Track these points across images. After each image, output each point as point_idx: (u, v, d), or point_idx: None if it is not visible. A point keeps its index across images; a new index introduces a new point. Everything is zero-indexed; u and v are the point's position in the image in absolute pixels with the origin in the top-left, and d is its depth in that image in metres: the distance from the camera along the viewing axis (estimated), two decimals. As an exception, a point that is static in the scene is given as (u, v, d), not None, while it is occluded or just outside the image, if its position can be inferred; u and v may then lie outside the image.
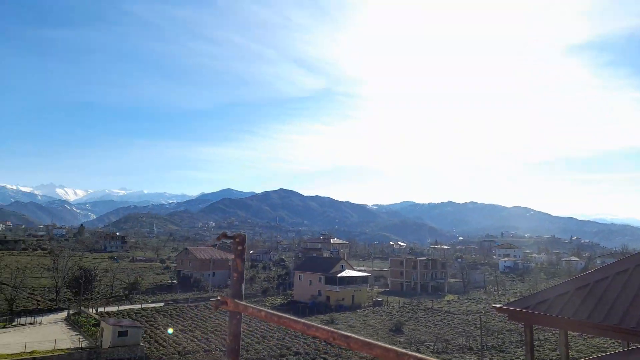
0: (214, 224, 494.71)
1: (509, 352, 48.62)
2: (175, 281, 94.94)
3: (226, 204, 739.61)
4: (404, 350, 1.36)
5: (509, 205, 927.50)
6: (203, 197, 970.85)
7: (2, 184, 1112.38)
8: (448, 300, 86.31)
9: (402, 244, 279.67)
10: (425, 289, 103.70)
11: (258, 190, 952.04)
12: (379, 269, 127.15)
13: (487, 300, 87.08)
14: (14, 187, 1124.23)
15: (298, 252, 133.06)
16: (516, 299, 11.57)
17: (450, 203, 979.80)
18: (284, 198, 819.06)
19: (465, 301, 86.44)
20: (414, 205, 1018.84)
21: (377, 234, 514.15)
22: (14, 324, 56.41)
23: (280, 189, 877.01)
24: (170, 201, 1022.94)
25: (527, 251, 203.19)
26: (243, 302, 2.33)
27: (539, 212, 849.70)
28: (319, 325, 1.47)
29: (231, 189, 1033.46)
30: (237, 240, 2.97)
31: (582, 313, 8.71)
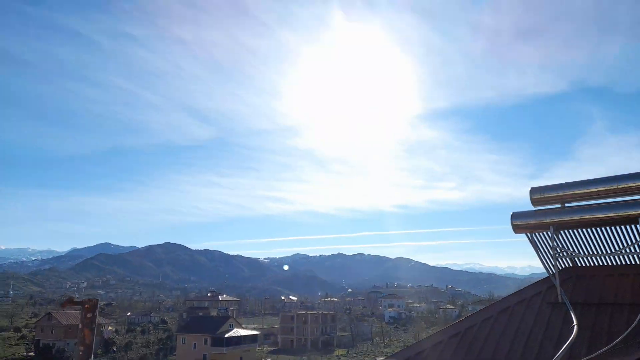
0: (85, 283, 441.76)
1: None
2: (32, 353, 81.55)
3: (102, 260, 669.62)
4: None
5: (392, 256, 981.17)
6: (75, 253, 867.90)
7: None
8: (337, 356, 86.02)
9: (294, 298, 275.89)
10: (315, 344, 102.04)
11: (141, 244, 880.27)
12: (269, 326, 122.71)
13: (373, 352, 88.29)
14: None
15: (183, 312, 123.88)
16: (400, 349, 11.83)
17: (340, 255, 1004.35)
18: (170, 252, 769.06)
19: (354, 355, 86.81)
20: (305, 258, 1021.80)
21: (268, 289, 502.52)
22: None
23: (166, 242, 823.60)
24: (34, 258, 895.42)
25: (409, 301, 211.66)
26: None
27: (419, 263, 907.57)
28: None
29: (109, 244, 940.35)
30: (86, 306, 2.33)
31: (455, 361, 9.10)
